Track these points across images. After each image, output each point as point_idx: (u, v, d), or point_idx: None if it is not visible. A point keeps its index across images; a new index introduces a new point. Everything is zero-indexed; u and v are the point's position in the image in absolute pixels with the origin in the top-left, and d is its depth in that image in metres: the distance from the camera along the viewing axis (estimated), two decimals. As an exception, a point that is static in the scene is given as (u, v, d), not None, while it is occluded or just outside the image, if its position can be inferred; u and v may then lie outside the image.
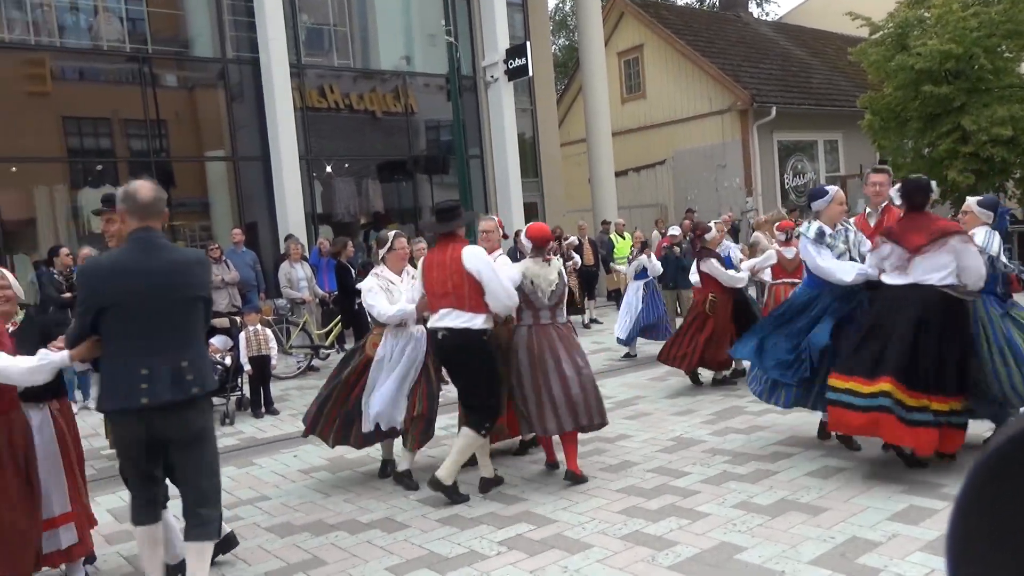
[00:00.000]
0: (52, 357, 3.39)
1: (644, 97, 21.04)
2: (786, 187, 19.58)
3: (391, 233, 5.43)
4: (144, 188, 3.35)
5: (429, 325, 4.92)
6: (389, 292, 5.17)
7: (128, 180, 12.07)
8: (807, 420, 6.08)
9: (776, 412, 6.43)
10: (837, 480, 4.68)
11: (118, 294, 3.23)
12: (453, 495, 4.76)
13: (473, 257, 4.71)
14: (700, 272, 7.66)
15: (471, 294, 4.69)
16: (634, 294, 9.35)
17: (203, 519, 3.42)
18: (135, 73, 12.19)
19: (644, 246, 9.67)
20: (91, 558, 4.12)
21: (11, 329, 3.73)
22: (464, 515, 4.57)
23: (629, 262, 9.84)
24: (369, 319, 5.57)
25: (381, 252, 5.36)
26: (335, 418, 5.27)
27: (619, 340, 9.42)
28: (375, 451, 6.15)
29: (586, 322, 12.71)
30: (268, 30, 12.42)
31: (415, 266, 5.37)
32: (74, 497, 3.83)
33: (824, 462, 5.03)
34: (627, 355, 9.55)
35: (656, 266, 9.39)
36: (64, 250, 8.91)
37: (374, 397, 5.10)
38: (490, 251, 5.20)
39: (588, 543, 4.00)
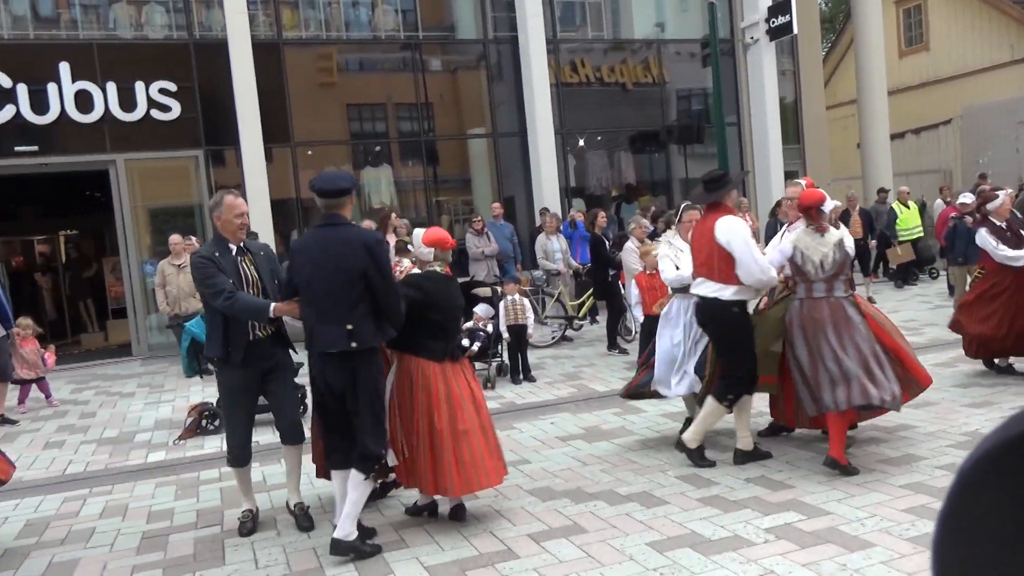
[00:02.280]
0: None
1: (927, 49, 18.77)
2: (1112, 145, 16.49)
3: (682, 205, 5.75)
4: None
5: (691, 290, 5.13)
6: (678, 258, 5.39)
7: (401, 160, 12.94)
8: None
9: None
10: None
11: None
12: (695, 458, 4.97)
13: (726, 229, 4.74)
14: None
15: (720, 265, 4.77)
16: None
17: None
18: (407, 60, 13.16)
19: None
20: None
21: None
22: (726, 497, 4.41)
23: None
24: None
25: (674, 223, 5.76)
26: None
27: None
28: (630, 424, 6.17)
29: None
30: (527, 8, 12.77)
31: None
32: None
33: None
34: None
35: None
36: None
37: (656, 358, 5.41)
38: (791, 222, 5.25)
39: (869, 541, 3.66)
